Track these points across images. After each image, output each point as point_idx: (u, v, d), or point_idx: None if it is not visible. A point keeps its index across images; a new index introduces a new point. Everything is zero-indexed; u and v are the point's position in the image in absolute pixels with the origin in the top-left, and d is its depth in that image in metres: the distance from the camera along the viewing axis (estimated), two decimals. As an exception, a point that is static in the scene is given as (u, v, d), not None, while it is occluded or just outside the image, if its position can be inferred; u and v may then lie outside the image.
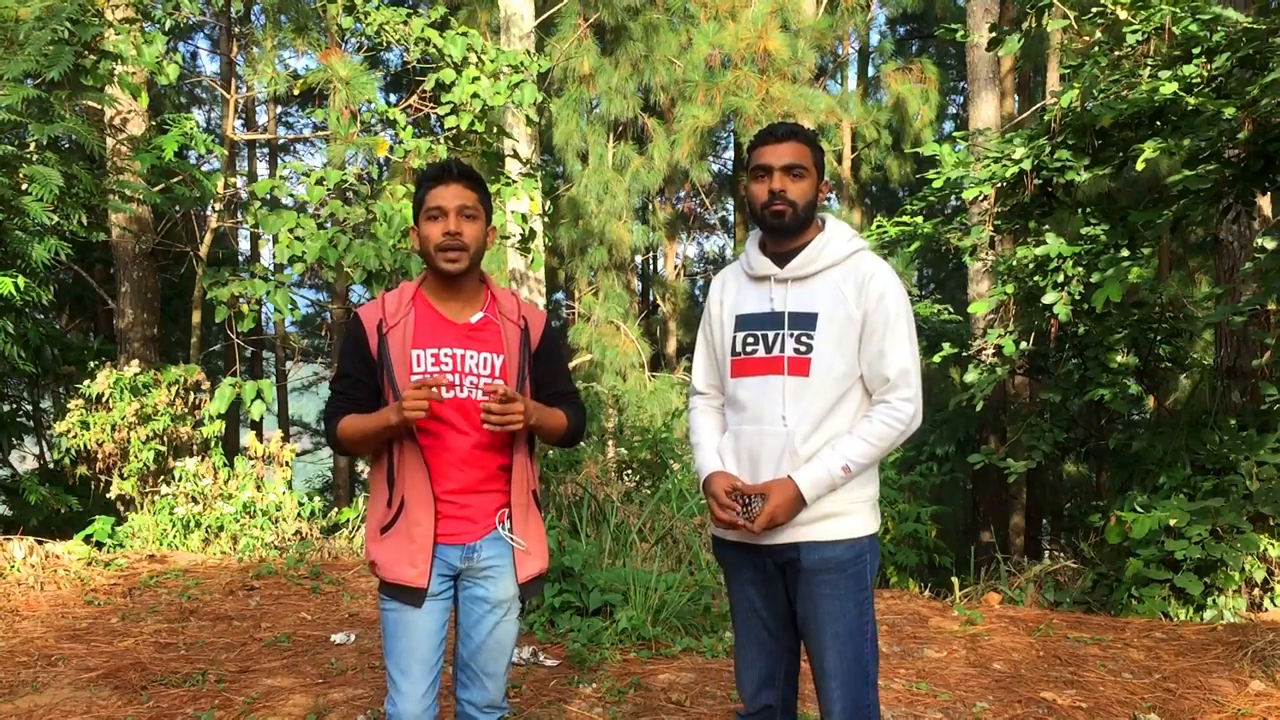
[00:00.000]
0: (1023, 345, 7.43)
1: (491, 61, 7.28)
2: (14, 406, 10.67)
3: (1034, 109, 11.18)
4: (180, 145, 6.97)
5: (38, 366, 7.44)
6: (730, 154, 18.92)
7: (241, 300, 6.75)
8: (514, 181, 7.72)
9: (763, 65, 13.18)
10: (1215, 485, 5.89)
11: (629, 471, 7.83)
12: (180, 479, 6.71)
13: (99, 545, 6.41)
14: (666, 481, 7.06)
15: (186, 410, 7.14)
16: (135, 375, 6.99)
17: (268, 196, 7.57)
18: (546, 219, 10.64)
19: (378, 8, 7.42)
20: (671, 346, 17.03)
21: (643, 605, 4.73)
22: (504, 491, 2.43)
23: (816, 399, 2.33)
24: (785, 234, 2.39)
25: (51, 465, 10.24)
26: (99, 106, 7.74)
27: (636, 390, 12.86)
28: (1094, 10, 6.59)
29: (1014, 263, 7.28)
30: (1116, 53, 6.46)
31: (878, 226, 8.44)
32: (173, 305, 12.30)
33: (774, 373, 2.36)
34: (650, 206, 16.93)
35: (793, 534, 2.34)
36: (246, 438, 7.14)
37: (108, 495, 6.95)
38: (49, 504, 7.09)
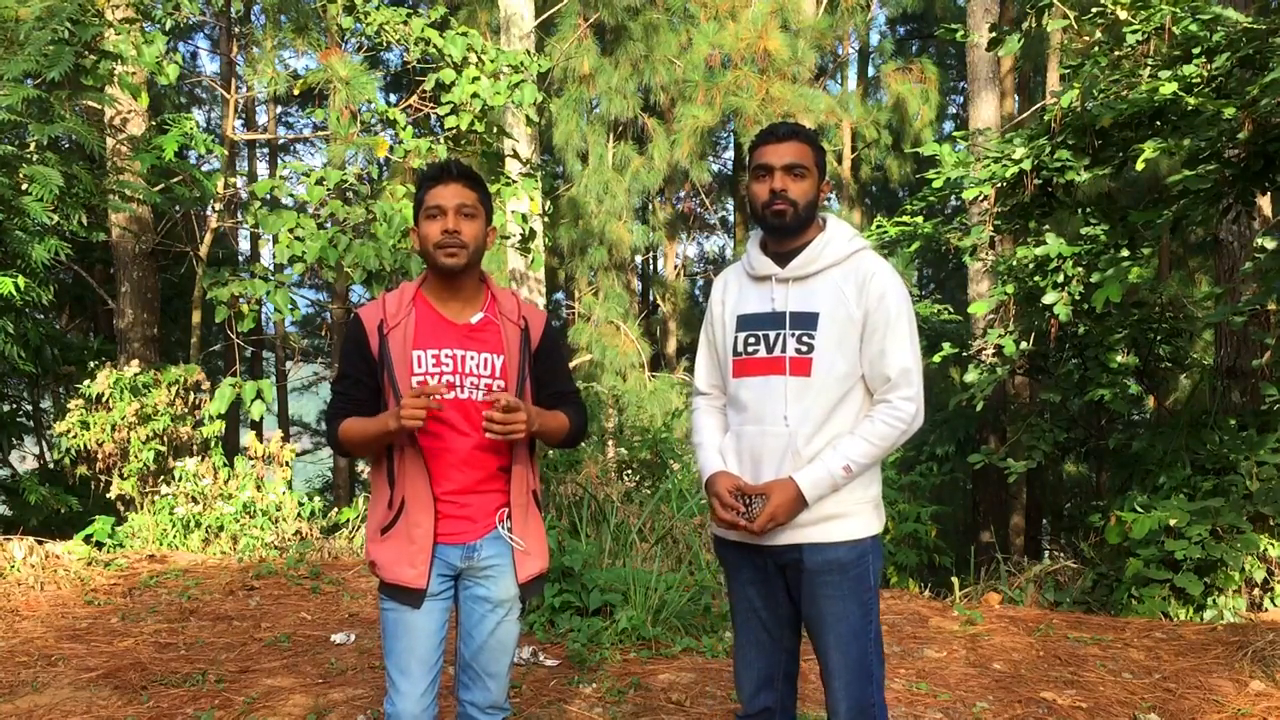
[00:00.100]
0: (1023, 345, 7.43)
1: (491, 61, 7.28)
2: (14, 406, 10.67)
3: (1034, 109, 11.18)
4: (180, 145, 6.97)
5: (38, 366, 7.44)
6: (730, 154, 18.93)
7: (241, 300, 6.75)
8: (514, 181, 7.72)
9: (763, 65, 13.18)
10: (1215, 485, 5.89)
11: (629, 471, 7.83)
12: (180, 479, 6.71)
13: (99, 545, 6.41)
14: (666, 481, 7.06)
15: (186, 410, 7.14)
16: (135, 375, 6.99)
17: (268, 196, 7.57)
18: (546, 219, 10.64)
19: (378, 8, 7.42)
20: (671, 346, 17.03)
21: (643, 605, 4.73)
22: (504, 491, 2.43)
23: (818, 399, 2.33)
24: (786, 234, 2.39)
25: (51, 465, 10.24)
26: (99, 106, 7.75)
27: (636, 390, 12.86)
28: (1094, 10, 6.59)
29: (1014, 263, 7.28)
30: (1116, 53, 6.46)
31: (878, 226, 8.44)
32: (173, 305, 12.30)
33: (775, 373, 2.36)
34: (650, 206, 16.93)
35: (796, 535, 2.33)
36: (246, 438, 7.14)
37: (108, 495, 6.95)
38: (49, 504, 7.08)
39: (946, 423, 12.21)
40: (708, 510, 2.49)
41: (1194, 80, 5.79)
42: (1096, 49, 6.57)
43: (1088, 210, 7.07)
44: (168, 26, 7.56)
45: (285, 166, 7.90)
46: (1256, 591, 5.47)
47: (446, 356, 2.37)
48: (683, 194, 17.29)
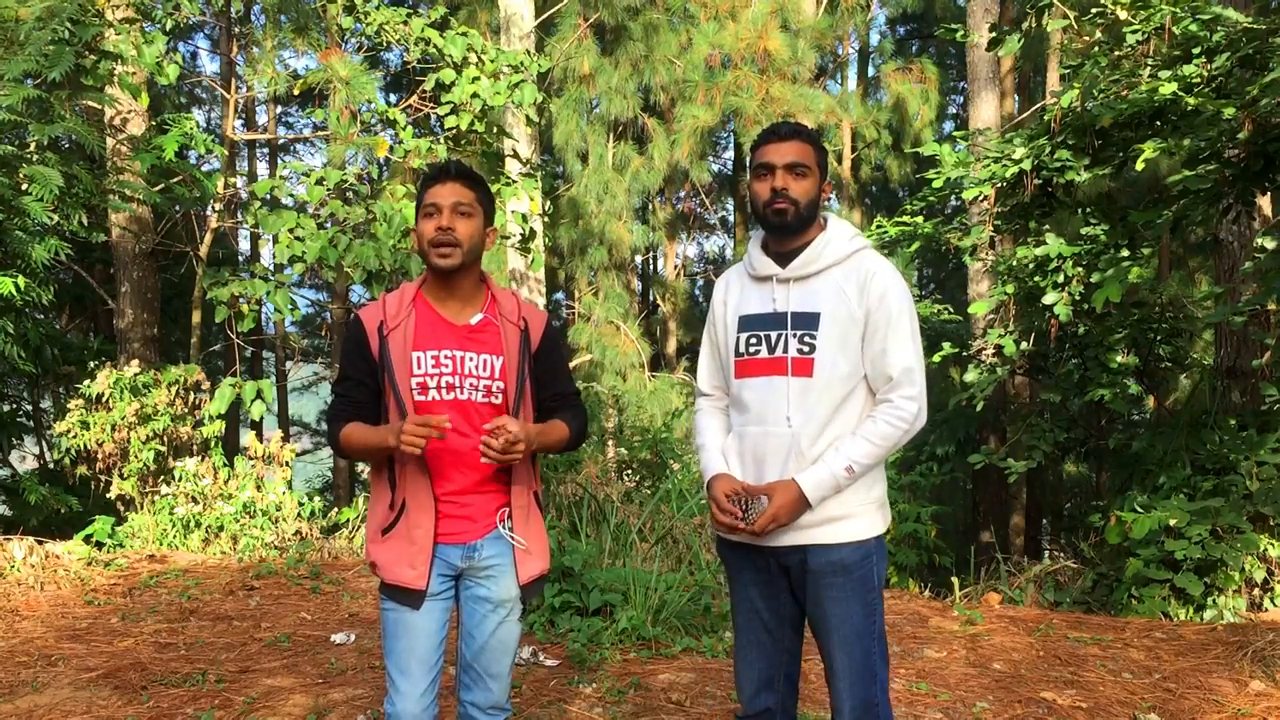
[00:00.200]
0: (1023, 345, 7.43)
1: (491, 61, 7.28)
2: (14, 406, 10.67)
3: (1034, 109, 11.18)
4: (180, 145, 6.97)
5: (38, 366, 7.44)
6: (730, 154, 18.92)
7: (241, 300, 6.75)
8: (514, 181, 7.72)
9: (763, 65, 13.18)
10: (1215, 485, 5.89)
11: (629, 471, 7.83)
12: (180, 479, 6.71)
13: (99, 545, 6.41)
14: (666, 481, 7.06)
15: (186, 410, 7.14)
16: (135, 375, 6.99)
17: (268, 196, 7.57)
18: (546, 219, 10.64)
19: (378, 8, 7.42)
20: (671, 346, 17.03)
21: (643, 605, 4.73)
22: (504, 492, 2.43)
23: (821, 399, 2.32)
24: (787, 232, 2.39)
25: (51, 465, 10.23)
26: (99, 106, 7.75)
27: (636, 390, 12.86)
28: (1094, 10, 6.59)
29: (1014, 263, 7.29)
30: (1116, 53, 6.46)
31: (878, 226, 8.44)
32: (173, 305, 12.30)
33: (777, 373, 2.36)
34: (650, 206, 16.93)
35: (800, 536, 2.33)
36: (246, 438, 7.13)
37: (108, 495, 6.95)
38: (49, 504, 7.08)
39: (946, 423, 12.21)
40: (708, 511, 2.49)
41: (1194, 80, 5.79)
42: (1096, 49, 6.58)
43: (1088, 210, 7.07)
44: (168, 26, 7.56)
45: (285, 166, 7.90)
46: (1256, 591, 5.47)
47: (446, 358, 2.37)
48: (683, 194, 17.30)
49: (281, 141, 19.26)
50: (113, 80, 6.66)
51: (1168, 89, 5.62)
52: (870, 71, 18.52)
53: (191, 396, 7.22)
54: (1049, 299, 6.83)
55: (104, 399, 6.90)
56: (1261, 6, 7.82)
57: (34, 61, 5.28)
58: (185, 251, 8.91)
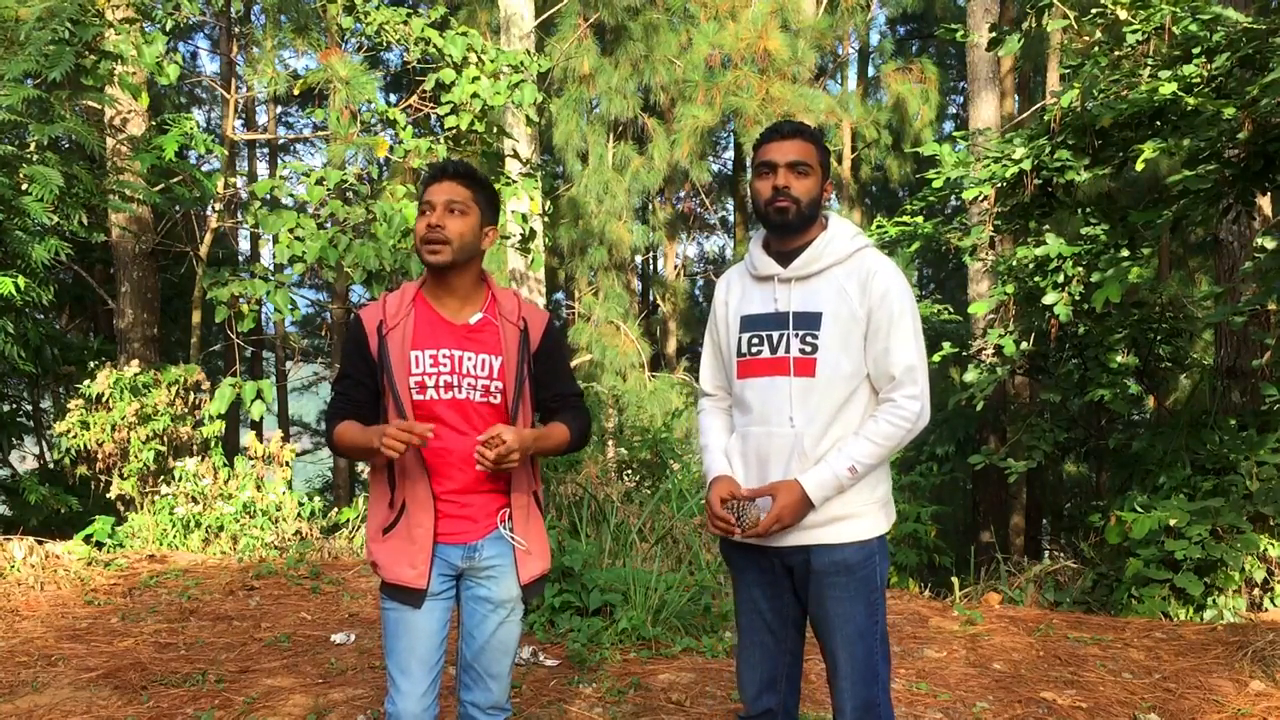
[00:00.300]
0: (1023, 345, 7.43)
1: (491, 61, 7.28)
2: (14, 406, 10.67)
3: (1034, 109, 11.18)
4: (180, 145, 6.97)
5: (38, 366, 7.44)
6: (730, 154, 18.93)
7: (241, 300, 6.74)
8: (514, 181, 7.72)
9: (763, 65, 13.18)
10: (1215, 485, 5.89)
11: (629, 471, 7.82)
12: (180, 479, 6.71)
13: (99, 545, 6.42)
14: (666, 481, 7.06)
15: (186, 410, 7.15)
16: (135, 375, 6.99)
17: (268, 196, 7.57)
18: (546, 219, 10.64)
19: (378, 8, 7.42)
20: (671, 346, 17.03)
21: (643, 605, 4.73)
22: (504, 492, 2.43)
23: (824, 399, 2.32)
24: (788, 231, 2.38)
25: (51, 465, 10.24)
26: (99, 106, 7.75)
27: (636, 390, 12.86)
28: (1094, 10, 6.59)
29: (1014, 263, 7.29)
30: (1116, 53, 6.46)
31: (878, 226, 8.44)
32: (173, 305, 12.30)
33: (780, 373, 2.35)
34: (650, 206, 16.94)
35: (803, 536, 2.33)
36: (246, 438, 7.14)
37: (108, 495, 6.95)
38: (49, 504, 7.08)
39: (946, 423, 12.21)
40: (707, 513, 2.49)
41: (1194, 80, 5.79)
42: (1096, 49, 6.58)
43: (1088, 210, 7.07)
44: (168, 26, 7.55)
45: (285, 166, 7.90)
46: (1256, 591, 5.48)
47: (444, 357, 2.37)
48: (683, 194, 17.30)
49: (281, 141, 19.27)
50: (113, 80, 6.66)
51: (1168, 89, 5.62)
52: (870, 71, 18.52)
53: (191, 396, 7.22)
54: (1049, 299, 6.83)
55: (104, 399, 6.90)
56: (1261, 6, 7.82)
57: (34, 61, 5.28)
58: (185, 251, 8.91)
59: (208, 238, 8.48)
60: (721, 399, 2.56)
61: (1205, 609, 5.35)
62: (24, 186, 5.46)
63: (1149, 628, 4.89)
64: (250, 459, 6.98)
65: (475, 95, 7.12)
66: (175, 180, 7.65)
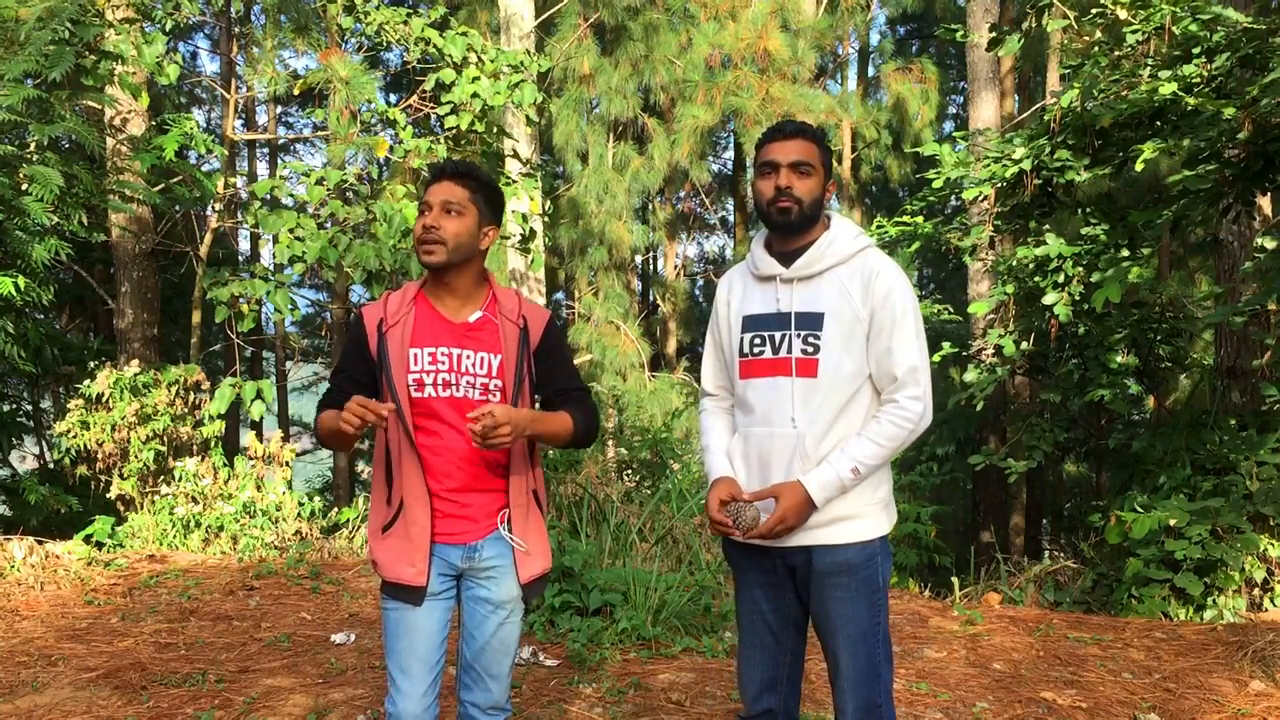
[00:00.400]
0: (1023, 345, 7.44)
1: (491, 61, 7.28)
2: (14, 406, 10.68)
3: (1034, 109, 11.18)
4: (180, 145, 6.97)
5: (38, 366, 7.44)
6: (730, 154, 18.93)
7: (241, 300, 6.74)
8: (514, 181, 7.72)
9: (763, 65, 13.18)
10: (1215, 485, 5.89)
11: (629, 471, 7.82)
12: (180, 479, 6.71)
13: (99, 545, 6.42)
14: (666, 481, 7.05)
15: (186, 410, 7.14)
16: (135, 375, 6.99)
17: (268, 196, 7.57)
18: (546, 219, 10.64)
19: (378, 8, 7.42)
20: (671, 346, 17.03)
21: (643, 605, 4.73)
22: (503, 490, 2.42)
23: (826, 400, 2.31)
24: (790, 231, 2.37)
25: (51, 465, 10.24)
26: (99, 106, 7.75)
27: (636, 390, 12.85)
28: (1094, 10, 6.59)
29: (1014, 263, 7.29)
30: (1116, 53, 6.47)
31: (878, 226, 8.44)
32: (173, 305, 12.31)
33: (782, 374, 2.35)
34: (650, 206, 16.93)
35: (805, 537, 2.32)
36: (246, 438, 7.13)
37: (108, 495, 6.95)
38: (49, 504, 7.08)
39: (946, 423, 12.22)
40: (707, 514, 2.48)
41: (1194, 80, 5.79)
42: (1096, 49, 6.58)
43: (1088, 210, 7.07)
44: (168, 26, 7.56)
45: (285, 166, 7.90)
46: (1256, 591, 5.48)
47: (443, 355, 2.38)
48: (683, 194, 17.29)
49: (281, 141, 19.27)
50: (113, 80, 6.66)
51: (1168, 89, 5.62)
52: (870, 71, 18.52)
53: (191, 396, 7.22)
54: (1049, 299, 6.83)
55: (104, 399, 6.90)
56: (1261, 6, 7.82)
57: (34, 61, 5.28)
58: (185, 251, 8.91)
59: (208, 238, 8.48)
60: (723, 399, 2.55)
61: (1205, 609, 5.35)
62: (24, 186, 5.46)
63: (1149, 628, 4.89)
64: (250, 459, 6.98)
65: (475, 95, 7.12)
66: (175, 180, 7.65)
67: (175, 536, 6.61)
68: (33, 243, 5.54)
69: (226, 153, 9.94)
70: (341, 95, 7.81)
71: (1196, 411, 7.20)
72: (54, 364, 9.01)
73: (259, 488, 6.83)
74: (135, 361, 7.46)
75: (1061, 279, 6.81)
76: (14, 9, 5.42)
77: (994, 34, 7.28)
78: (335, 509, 7.37)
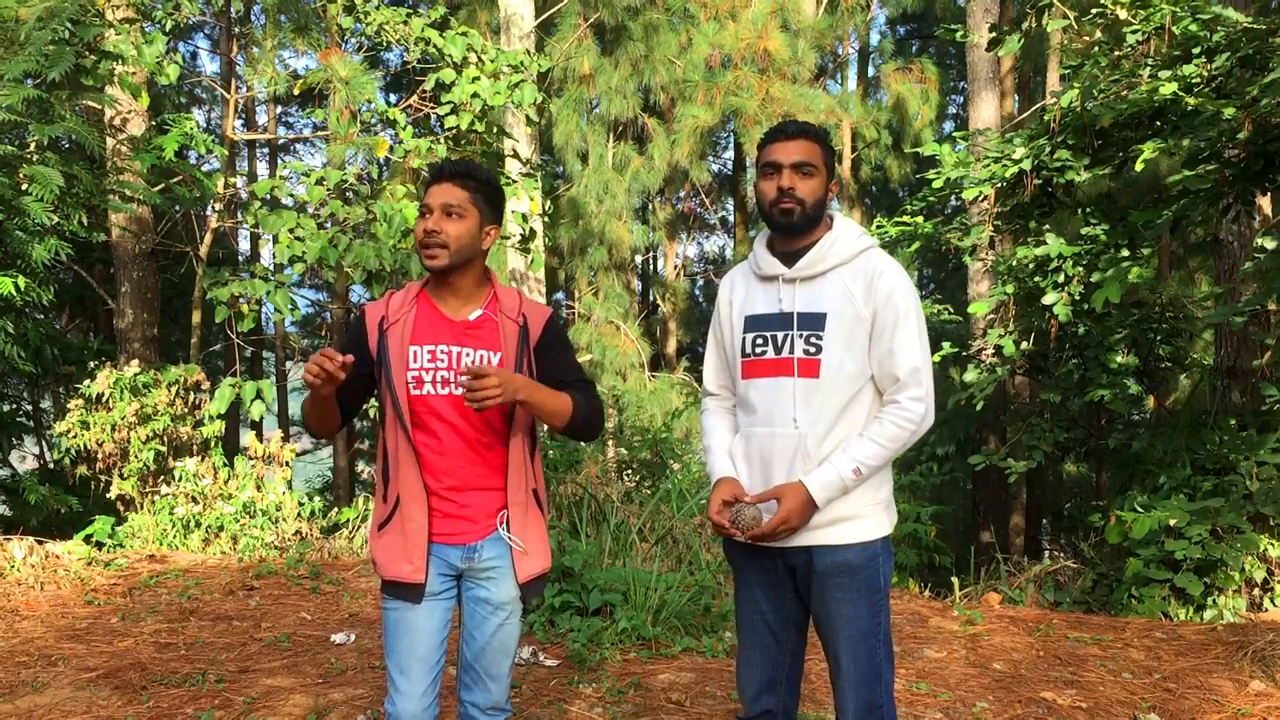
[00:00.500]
0: (1023, 345, 7.44)
1: (491, 61, 7.28)
2: (14, 406, 10.67)
3: (1034, 109, 11.18)
4: (180, 145, 6.97)
5: (38, 366, 7.44)
6: (730, 154, 18.93)
7: (241, 300, 6.74)
8: (514, 181, 7.72)
9: (763, 65, 13.18)
10: (1215, 485, 5.89)
11: (629, 471, 7.82)
12: (180, 479, 6.71)
13: (99, 545, 6.42)
14: (666, 481, 7.05)
15: (186, 410, 7.15)
16: (135, 375, 6.99)
17: (268, 196, 7.57)
18: (546, 219, 10.64)
19: (378, 8, 7.42)
20: (671, 346, 17.03)
21: (643, 605, 4.73)
22: (502, 489, 2.42)
23: (828, 400, 2.31)
24: (793, 232, 2.37)
25: (51, 465, 10.24)
26: (99, 106, 7.75)
27: (636, 390, 12.85)
28: (1094, 10, 6.60)
29: (1014, 263, 7.29)
30: (1116, 53, 6.47)
31: (878, 226, 8.44)
32: (173, 305, 12.31)
33: (784, 374, 2.34)
34: (650, 206, 16.94)
35: (806, 537, 2.32)
36: (246, 438, 7.14)
37: (108, 495, 6.95)
38: (49, 504, 7.08)
39: (946, 423, 12.22)
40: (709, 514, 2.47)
41: (1194, 80, 5.79)
42: (1096, 49, 6.58)
43: (1088, 210, 7.07)
44: (168, 26, 7.56)
45: (285, 166, 7.90)
46: (1256, 591, 5.48)
47: (442, 352, 2.38)
48: (683, 194, 17.30)
49: (281, 141, 19.27)
50: (113, 80, 6.67)
51: (1168, 89, 5.62)
52: (870, 71, 18.53)
53: (191, 396, 7.22)
54: (1049, 299, 6.83)
55: (104, 399, 6.90)
56: (1261, 6, 7.82)
57: (34, 61, 5.28)
58: (185, 251, 8.92)
59: (208, 238, 8.48)
60: (725, 399, 2.55)
61: (1205, 609, 5.35)
62: (24, 186, 5.46)
63: (1149, 628, 4.89)
64: (250, 459, 6.98)
65: (475, 95, 7.12)
66: (175, 180, 7.65)
67: (175, 536, 6.61)
68: (33, 243, 5.54)
69: (226, 153, 9.94)
70: (341, 95, 7.81)
71: (1196, 411, 7.20)
72: (54, 364, 9.01)
73: (259, 488, 6.83)
74: (135, 361, 7.46)
75: (1061, 279, 6.81)
76: (14, 9, 5.42)
77: (994, 34, 7.28)
78: (335, 509, 7.37)
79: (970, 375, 8.01)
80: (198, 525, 6.63)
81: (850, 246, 2.37)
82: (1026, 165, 6.65)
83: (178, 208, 8.72)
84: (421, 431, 2.37)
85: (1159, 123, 6.26)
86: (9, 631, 4.74)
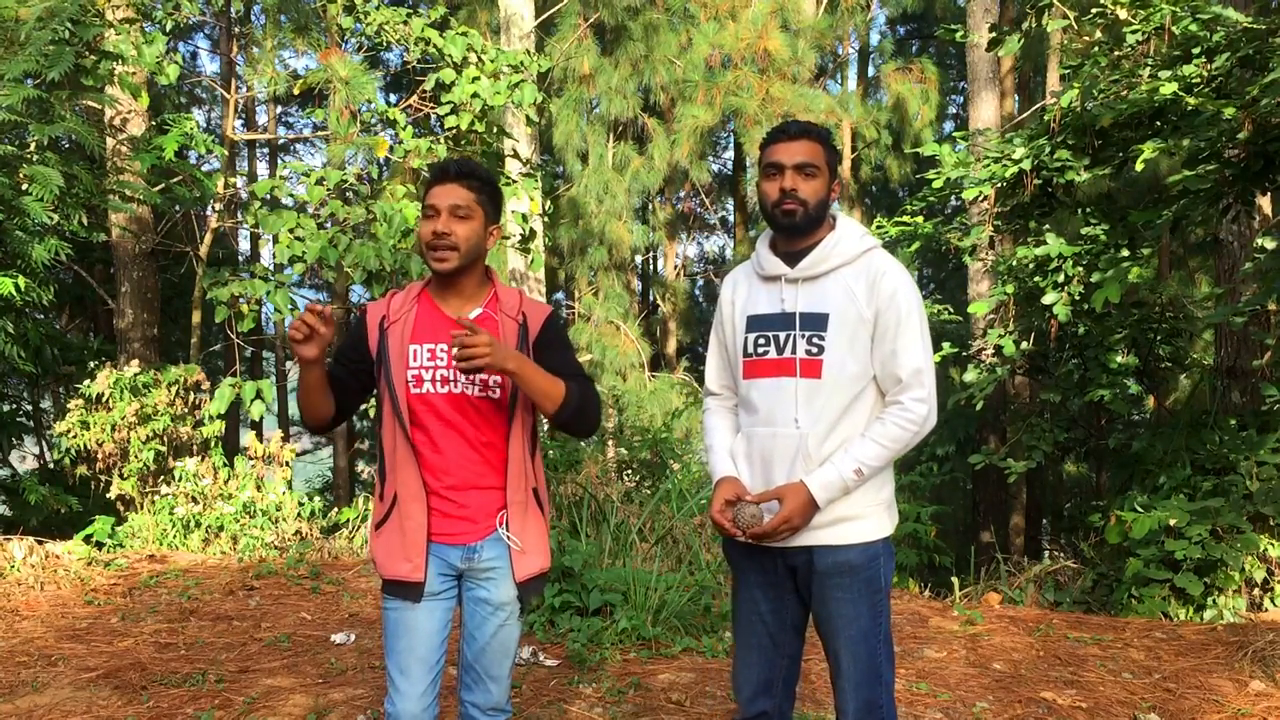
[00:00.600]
0: (1023, 345, 7.44)
1: (491, 61, 7.28)
2: (14, 406, 10.67)
3: (1034, 109, 11.18)
4: (180, 145, 6.97)
5: (38, 366, 7.44)
6: (730, 154, 18.93)
7: (241, 300, 6.74)
8: (514, 181, 7.72)
9: (763, 65, 13.18)
10: (1215, 485, 5.89)
11: (629, 471, 7.82)
12: (180, 479, 6.71)
13: (99, 545, 6.41)
14: (666, 481, 7.05)
15: (186, 410, 7.14)
16: (135, 375, 6.99)
17: (268, 196, 7.57)
18: (546, 219, 10.64)
19: (378, 8, 7.42)
20: (671, 346, 17.03)
21: (643, 605, 4.73)
22: (501, 488, 2.42)
23: (829, 401, 2.30)
24: (796, 233, 2.37)
25: (51, 465, 10.24)
26: (99, 106, 7.75)
27: (636, 390, 12.86)
28: (1094, 10, 6.60)
29: (1014, 263, 7.29)
30: (1116, 53, 6.47)
31: (878, 226, 8.44)
32: (173, 305, 12.31)
33: (786, 374, 2.34)
34: (650, 206, 16.93)
35: (807, 537, 2.32)
36: (246, 438, 7.13)
37: (108, 495, 6.95)
38: (49, 504, 7.08)
39: (946, 423, 12.22)
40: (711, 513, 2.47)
41: (1194, 80, 5.79)
42: (1096, 49, 6.58)
43: (1088, 210, 7.07)
44: (168, 26, 7.56)
45: (285, 166, 7.90)
46: (1256, 591, 5.48)
47: (442, 351, 2.38)
48: (683, 194, 17.30)
49: (281, 141, 19.27)
50: (113, 80, 6.66)
51: (1168, 89, 5.62)
52: (870, 71, 18.52)
53: (191, 396, 7.22)
54: (1049, 299, 6.83)
55: (104, 399, 6.90)
56: (1261, 6, 7.82)
57: (34, 61, 5.28)
58: (185, 251, 8.92)
59: (208, 238, 8.48)
60: (727, 398, 2.55)
61: (1205, 609, 5.35)
62: (24, 186, 5.46)
63: (1149, 628, 4.89)
64: (250, 459, 6.98)
65: (475, 95, 7.12)
66: (175, 180, 7.65)
67: (175, 536, 6.61)
68: (33, 243, 5.54)
69: (226, 153, 9.94)
70: (341, 95, 7.81)
71: (1196, 411, 7.20)
72: (54, 364, 9.01)
73: (259, 488, 6.83)
74: (135, 361, 7.46)
75: (1061, 279, 6.81)
76: (14, 9, 5.42)
77: (994, 34, 7.28)
78: (335, 509, 7.37)
79: (970, 375, 8.01)
80: (198, 525, 6.63)
81: (853, 247, 2.36)
82: (1026, 165, 6.66)
83: (178, 208, 8.72)
84: (420, 430, 2.37)
85: (1159, 123, 6.26)
86: (9, 631, 4.74)
